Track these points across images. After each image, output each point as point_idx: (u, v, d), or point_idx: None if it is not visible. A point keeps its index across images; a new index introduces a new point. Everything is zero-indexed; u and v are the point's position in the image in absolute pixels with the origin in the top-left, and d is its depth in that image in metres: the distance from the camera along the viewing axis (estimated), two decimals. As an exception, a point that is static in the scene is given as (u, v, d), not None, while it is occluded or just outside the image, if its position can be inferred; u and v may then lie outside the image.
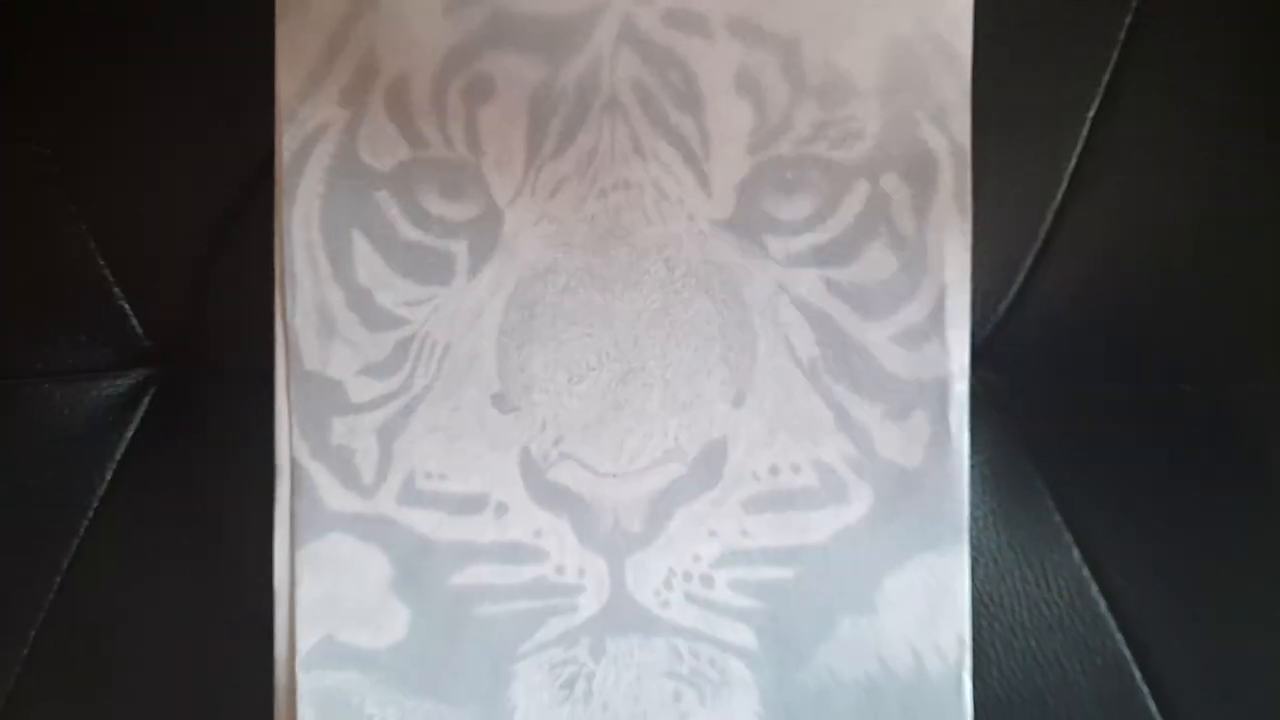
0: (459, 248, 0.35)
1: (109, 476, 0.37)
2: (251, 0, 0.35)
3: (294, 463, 0.35)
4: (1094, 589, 0.36)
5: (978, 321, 0.36)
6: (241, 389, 0.36)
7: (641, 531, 0.35)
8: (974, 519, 0.36)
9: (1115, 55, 0.36)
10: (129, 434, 0.37)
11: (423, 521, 0.35)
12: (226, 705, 0.36)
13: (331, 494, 0.35)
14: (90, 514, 0.37)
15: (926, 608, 0.35)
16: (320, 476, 0.35)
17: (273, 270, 0.35)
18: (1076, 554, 0.37)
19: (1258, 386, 0.36)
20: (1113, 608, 0.36)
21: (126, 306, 0.37)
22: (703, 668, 0.35)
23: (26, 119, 0.36)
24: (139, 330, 0.37)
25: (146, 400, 0.37)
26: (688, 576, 0.35)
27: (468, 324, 0.35)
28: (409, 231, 0.35)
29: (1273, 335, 0.37)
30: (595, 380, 0.35)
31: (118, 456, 0.37)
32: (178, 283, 0.37)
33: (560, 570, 0.35)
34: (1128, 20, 0.36)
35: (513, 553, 0.35)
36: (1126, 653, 0.36)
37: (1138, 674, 0.36)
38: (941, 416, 0.35)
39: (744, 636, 0.35)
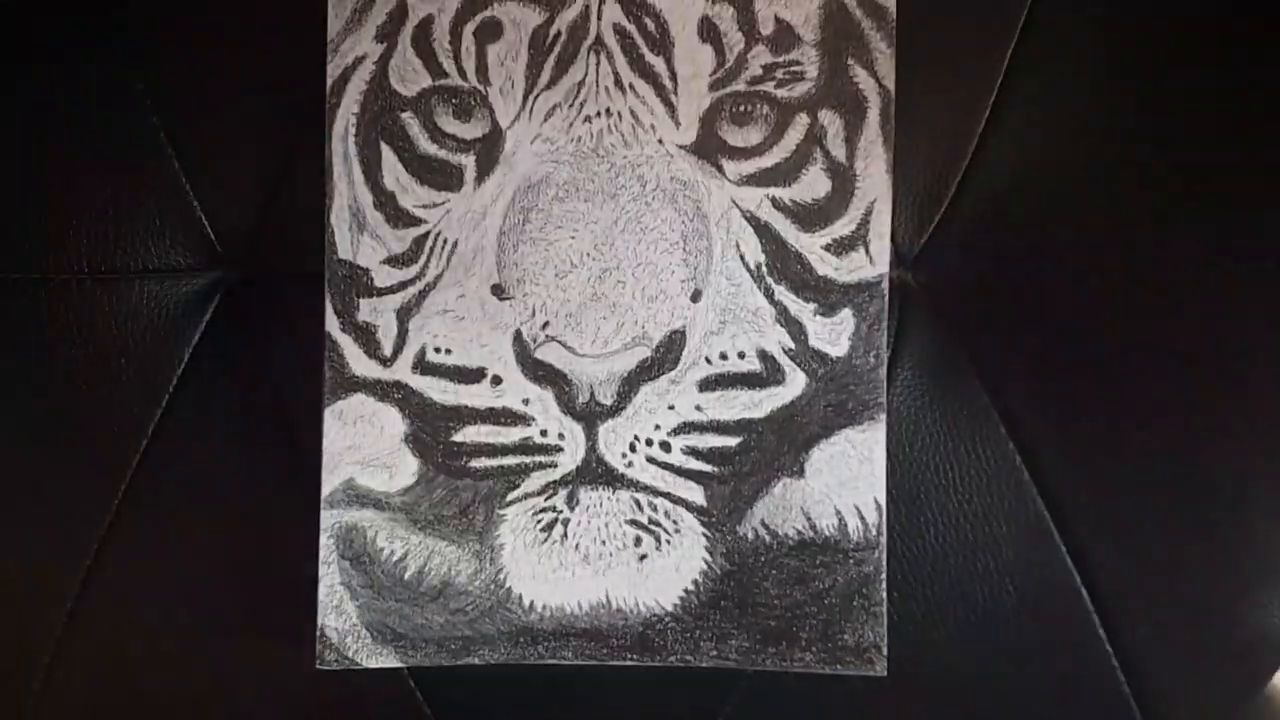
0: (468, 161, 0.41)
1: (186, 359, 0.44)
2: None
3: (326, 335, 0.42)
4: (1017, 458, 0.41)
5: (915, 230, 0.42)
6: (296, 290, 0.43)
7: (612, 403, 0.41)
8: (911, 401, 0.42)
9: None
10: (203, 324, 0.44)
11: (431, 388, 0.41)
12: (278, 540, 0.43)
13: (357, 362, 0.42)
14: (169, 390, 0.44)
15: (848, 474, 0.41)
16: (348, 347, 0.42)
17: (324, 188, 0.42)
18: (1002, 429, 0.41)
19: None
20: (1033, 474, 0.41)
21: (204, 221, 0.44)
22: (659, 518, 0.41)
23: (127, 56, 0.44)
24: (213, 239, 0.44)
25: (217, 298, 0.45)
26: (649, 442, 0.41)
27: (473, 225, 0.41)
28: (427, 146, 0.41)
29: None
30: (577, 276, 0.41)
31: (194, 343, 0.44)
32: (247, 197, 0.44)
33: (544, 433, 0.41)
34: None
35: (505, 416, 0.41)
36: (1044, 510, 0.40)
37: (1054, 529, 0.40)
38: (865, 313, 0.41)
39: (695, 493, 0.41)
